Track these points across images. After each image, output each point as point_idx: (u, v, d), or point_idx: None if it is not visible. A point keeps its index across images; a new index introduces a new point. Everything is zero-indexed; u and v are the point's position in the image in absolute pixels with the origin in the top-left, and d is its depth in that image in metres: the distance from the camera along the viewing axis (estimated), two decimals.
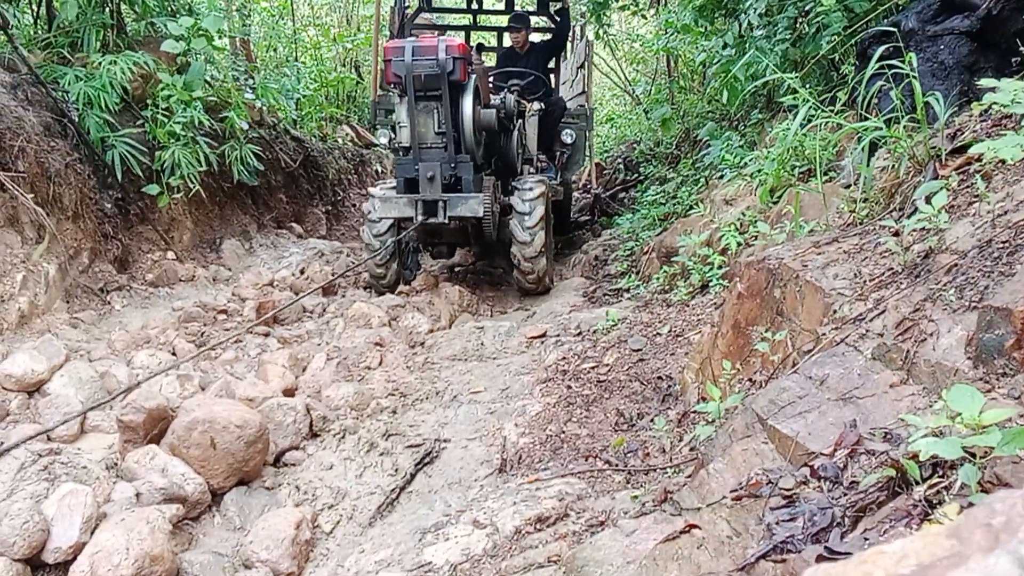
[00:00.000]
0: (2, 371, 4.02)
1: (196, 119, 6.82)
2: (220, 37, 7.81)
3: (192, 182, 6.74)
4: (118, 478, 3.19)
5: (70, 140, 6.04)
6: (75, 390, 4.03)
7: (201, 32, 7.06)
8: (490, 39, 10.62)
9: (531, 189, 6.64)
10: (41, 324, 4.96)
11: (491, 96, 6.95)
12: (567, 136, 8.81)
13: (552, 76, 9.39)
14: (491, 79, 8.07)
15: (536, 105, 8.20)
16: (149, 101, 6.77)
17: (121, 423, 3.49)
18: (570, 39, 9.97)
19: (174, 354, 4.83)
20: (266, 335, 5.41)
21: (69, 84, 6.17)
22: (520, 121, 7.63)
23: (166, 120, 6.65)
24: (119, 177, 6.32)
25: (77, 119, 6.11)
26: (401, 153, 6.59)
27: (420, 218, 6.23)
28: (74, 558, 2.68)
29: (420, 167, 6.21)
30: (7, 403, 3.92)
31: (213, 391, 4.14)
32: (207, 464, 3.32)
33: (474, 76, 6.26)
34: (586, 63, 9.51)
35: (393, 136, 7.05)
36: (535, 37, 9.16)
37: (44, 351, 4.21)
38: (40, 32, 6.86)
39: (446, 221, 6.26)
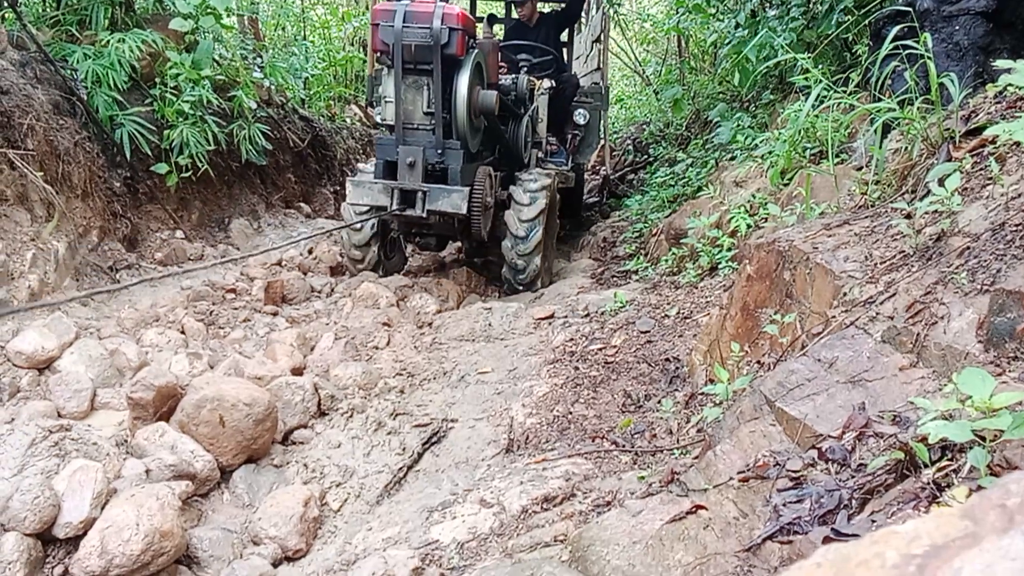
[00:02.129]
0: (13, 348, 4.04)
1: (204, 98, 6.80)
2: (228, 15, 7.79)
3: (201, 161, 6.74)
4: (128, 455, 3.21)
5: (79, 118, 6.04)
6: (85, 367, 4.05)
7: (209, 10, 7.03)
8: (500, 9, 9.79)
9: (535, 180, 6.09)
10: (51, 301, 4.98)
11: (499, 76, 6.32)
12: (580, 116, 8.16)
13: (565, 51, 8.66)
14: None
15: (547, 83, 7.56)
16: (157, 79, 6.76)
17: (131, 400, 3.52)
18: (584, 9, 9.35)
19: (183, 332, 4.85)
20: (274, 314, 5.43)
21: (78, 62, 6.16)
22: (535, 105, 7.03)
23: (174, 99, 6.64)
24: (128, 156, 6.31)
25: (86, 97, 6.10)
26: (385, 132, 5.92)
27: (395, 209, 5.51)
28: (84, 533, 2.71)
29: (400, 150, 5.47)
30: (18, 380, 3.95)
31: (222, 369, 4.16)
32: (216, 441, 3.34)
33: (475, 52, 5.58)
34: (602, 36, 8.85)
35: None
36: (546, 8, 8.46)
37: (54, 328, 4.23)
38: (48, 10, 6.84)
39: (424, 215, 5.51)
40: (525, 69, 7.17)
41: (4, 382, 3.92)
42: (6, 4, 5.90)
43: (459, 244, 7.12)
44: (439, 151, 5.53)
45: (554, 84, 7.68)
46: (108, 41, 6.35)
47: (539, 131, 7.46)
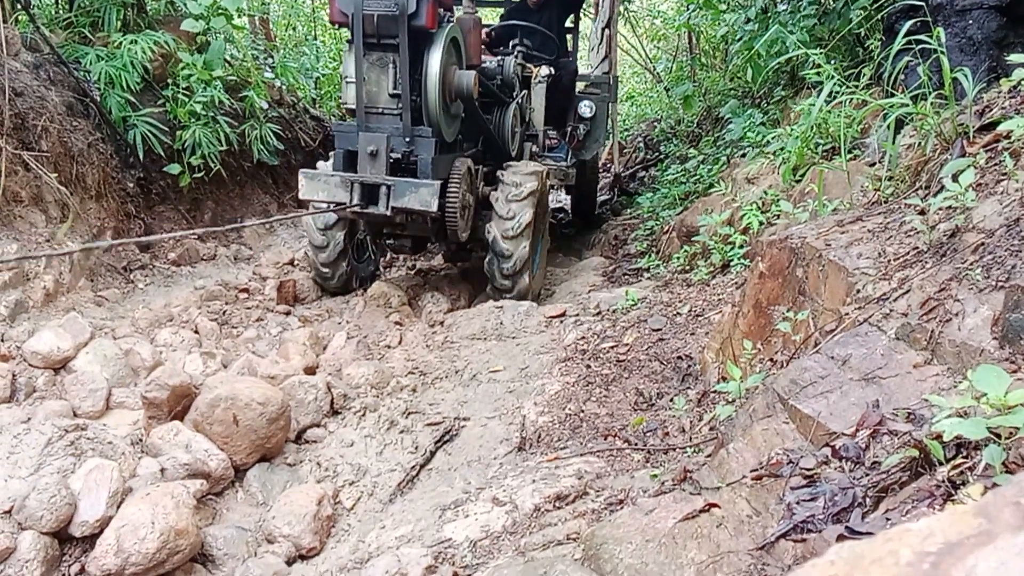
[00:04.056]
0: (29, 348, 4.08)
1: (216, 98, 6.84)
2: (239, 16, 7.81)
3: (213, 161, 6.78)
4: (143, 454, 3.23)
5: (92, 120, 6.08)
6: (100, 367, 4.08)
7: (220, 11, 7.06)
8: None
9: (518, 185, 5.31)
10: (66, 302, 5.02)
11: (482, 57, 5.65)
12: (586, 109, 7.49)
13: (569, 36, 8.03)
14: (493, 35, 6.98)
15: (544, 70, 6.90)
16: (170, 80, 6.80)
17: (145, 400, 3.54)
18: None
19: (196, 332, 4.88)
20: (287, 314, 5.46)
21: (90, 64, 6.20)
22: (524, 91, 6.40)
23: (187, 99, 6.68)
24: (141, 156, 6.36)
25: (99, 99, 6.14)
26: (346, 118, 5.22)
27: (355, 205, 4.82)
28: (100, 532, 2.73)
29: (361, 137, 4.78)
30: (34, 380, 3.98)
31: (235, 369, 4.19)
32: (230, 440, 3.36)
33: (450, 26, 4.93)
34: (611, 23, 8.19)
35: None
36: None
37: (69, 329, 4.27)
38: (61, 12, 6.89)
39: (388, 212, 4.81)
40: (518, 53, 6.57)
41: (20, 382, 3.95)
42: (20, 6, 5.95)
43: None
44: (407, 139, 4.83)
45: (552, 71, 7.05)
46: (120, 42, 6.39)
47: (535, 123, 6.88)
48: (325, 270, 5.62)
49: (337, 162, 5.02)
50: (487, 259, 5.42)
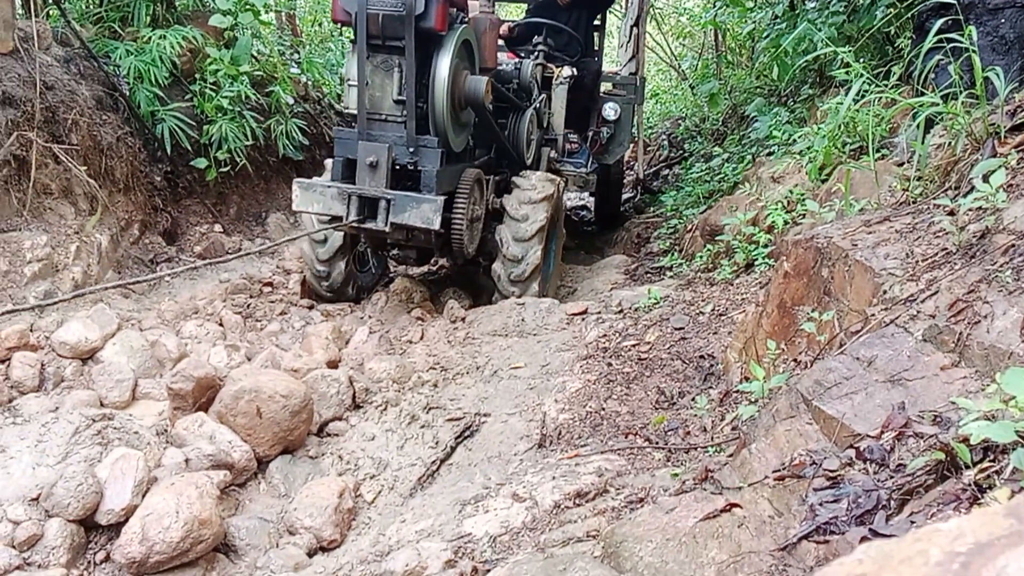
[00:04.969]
0: (57, 339, 4.14)
1: (243, 93, 6.89)
2: (267, 11, 7.86)
3: (239, 156, 6.83)
4: (168, 444, 3.27)
5: (121, 114, 6.15)
6: (127, 358, 4.13)
7: (248, 7, 7.11)
8: None
9: (533, 187, 5.12)
10: (94, 294, 5.09)
11: (499, 58, 5.35)
12: (611, 111, 7.19)
13: (596, 36, 7.62)
14: (514, 35, 6.69)
15: (566, 71, 6.54)
16: (197, 75, 6.86)
17: (171, 391, 3.58)
18: None
19: (221, 325, 4.92)
20: (310, 308, 5.49)
21: (120, 58, 6.28)
22: (542, 95, 6.08)
23: (214, 94, 6.74)
24: (168, 151, 6.42)
25: (128, 93, 6.22)
26: (348, 124, 4.94)
27: (352, 221, 4.53)
28: (126, 520, 2.77)
29: (361, 146, 4.50)
30: (62, 370, 4.05)
31: (259, 362, 4.22)
32: (253, 432, 3.39)
33: (462, 28, 4.62)
34: (640, 22, 7.85)
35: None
36: None
37: (97, 320, 4.33)
38: (92, 7, 6.97)
39: (386, 229, 4.52)
40: (539, 53, 6.30)
41: (49, 372, 4.02)
42: (51, 1, 6.03)
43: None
44: (411, 149, 4.53)
45: (575, 72, 6.68)
46: (149, 37, 6.45)
47: (554, 126, 6.55)
48: (321, 268, 5.30)
49: (336, 171, 4.73)
50: (495, 263, 5.15)
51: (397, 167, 4.59)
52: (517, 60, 5.80)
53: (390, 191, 4.48)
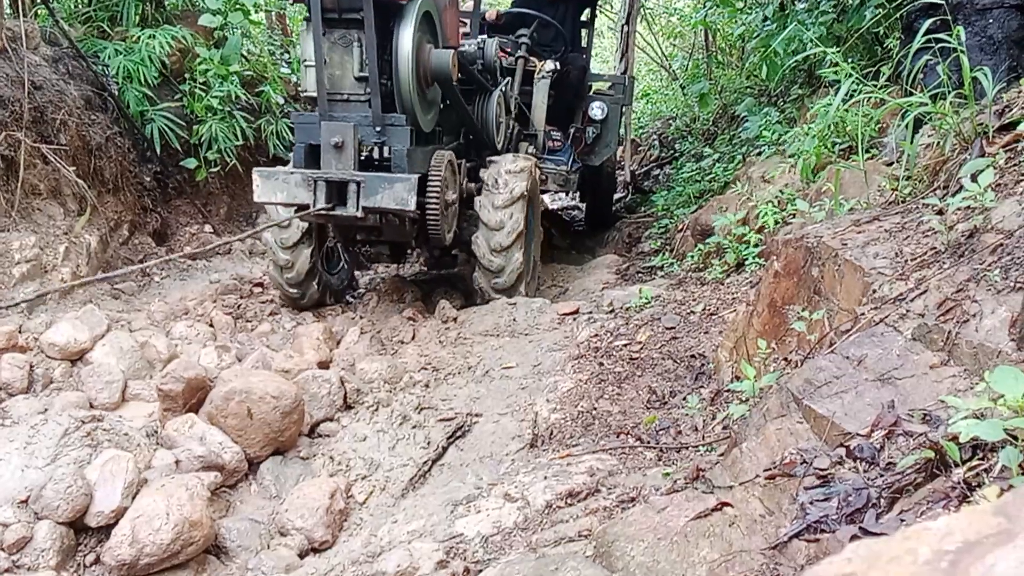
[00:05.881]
0: (46, 340, 4.12)
1: (233, 93, 6.87)
2: (257, 11, 7.84)
3: (229, 156, 6.81)
4: (158, 445, 3.26)
5: (110, 114, 6.12)
6: (116, 359, 4.11)
7: (238, 6, 7.10)
8: None
9: (506, 186, 4.79)
10: (83, 294, 5.06)
11: (459, 37, 5.13)
12: (597, 110, 6.96)
13: (584, 32, 7.49)
14: (500, 22, 6.57)
15: (549, 65, 6.29)
16: (187, 75, 6.84)
17: (161, 392, 3.57)
18: None
19: (211, 325, 4.90)
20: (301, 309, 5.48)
21: (109, 58, 6.25)
22: (507, 79, 5.83)
23: (203, 94, 6.71)
24: (158, 151, 6.40)
25: (117, 93, 6.19)
26: (306, 107, 4.66)
27: (321, 208, 4.21)
28: (116, 522, 2.76)
29: (324, 127, 4.20)
30: (51, 371, 4.02)
31: (250, 362, 4.21)
32: (244, 433, 3.38)
33: (420, 0, 4.33)
34: (630, 20, 7.85)
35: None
36: None
37: (86, 321, 4.30)
38: (80, 6, 6.94)
39: (359, 214, 4.22)
40: (525, 45, 6.13)
41: (38, 373, 3.99)
42: (39, 1, 5.99)
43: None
44: (377, 128, 4.25)
45: (557, 67, 6.43)
46: (139, 37, 6.43)
47: (535, 122, 6.33)
48: (290, 274, 4.95)
49: (298, 158, 4.41)
50: (474, 271, 4.89)
51: (364, 153, 4.34)
52: (480, 40, 5.50)
53: (359, 172, 4.20)
